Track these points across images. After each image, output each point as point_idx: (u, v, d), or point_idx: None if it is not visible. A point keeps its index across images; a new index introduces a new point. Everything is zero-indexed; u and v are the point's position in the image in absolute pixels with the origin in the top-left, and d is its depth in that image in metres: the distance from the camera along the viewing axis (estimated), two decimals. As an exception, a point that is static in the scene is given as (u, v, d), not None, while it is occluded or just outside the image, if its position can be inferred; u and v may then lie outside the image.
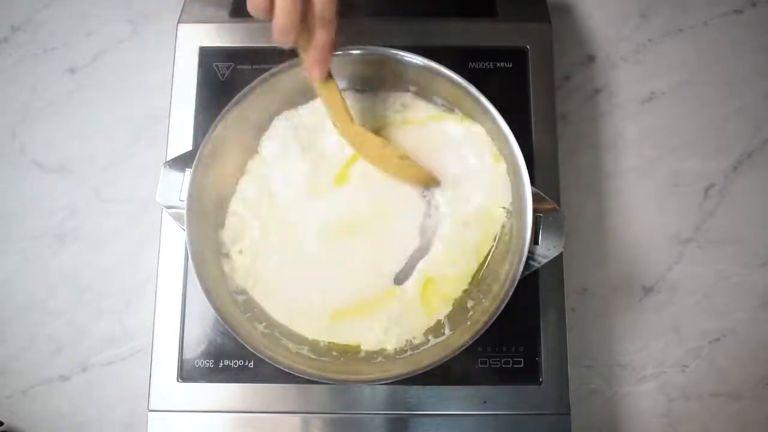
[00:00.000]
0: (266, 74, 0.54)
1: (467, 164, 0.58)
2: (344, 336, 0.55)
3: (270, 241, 0.57)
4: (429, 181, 0.57)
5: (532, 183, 0.51)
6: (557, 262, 0.56)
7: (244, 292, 0.56)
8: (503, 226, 0.56)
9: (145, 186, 0.66)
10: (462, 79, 0.54)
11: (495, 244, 0.56)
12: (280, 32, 0.47)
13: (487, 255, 0.56)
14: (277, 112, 0.59)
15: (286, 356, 0.52)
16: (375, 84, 0.59)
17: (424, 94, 0.59)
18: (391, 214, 0.57)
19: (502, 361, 0.56)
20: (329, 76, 0.52)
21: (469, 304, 0.55)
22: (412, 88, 0.59)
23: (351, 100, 0.59)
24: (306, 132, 0.59)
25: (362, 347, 0.54)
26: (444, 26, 0.64)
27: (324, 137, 0.59)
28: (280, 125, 0.59)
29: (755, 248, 0.65)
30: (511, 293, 0.49)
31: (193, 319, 0.57)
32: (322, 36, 0.49)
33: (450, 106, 0.58)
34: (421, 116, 0.59)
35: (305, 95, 0.59)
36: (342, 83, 0.58)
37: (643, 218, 0.65)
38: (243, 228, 0.57)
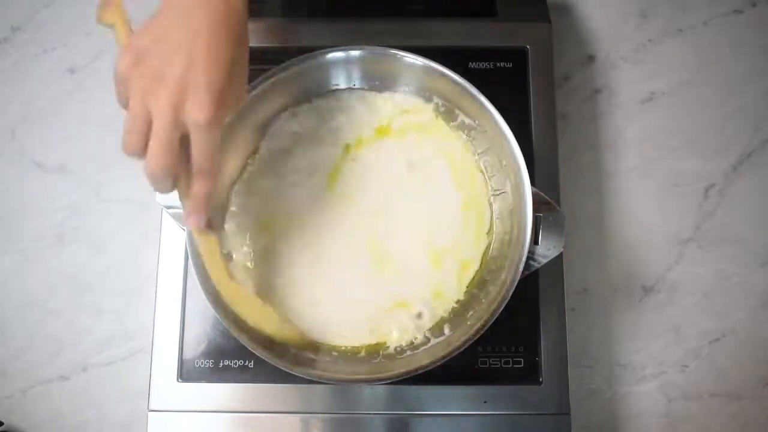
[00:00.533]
0: (266, 74, 0.54)
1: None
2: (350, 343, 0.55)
3: (270, 241, 0.57)
4: (306, 346, 0.53)
5: (532, 183, 0.51)
6: (557, 262, 0.56)
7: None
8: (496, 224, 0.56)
9: (145, 186, 0.65)
10: (462, 79, 0.54)
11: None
12: (151, 179, 0.42)
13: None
14: (278, 113, 0.59)
15: (286, 356, 0.52)
16: (375, 84, 0.59)
17: (425, 94, 0.59)
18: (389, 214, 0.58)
19: (502, 361, 0.56)
20: (209, 227, 0.48)
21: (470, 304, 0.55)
22: (412, 88, 0.59)
23: (351, 100, 0.59)
24: (306, 132, 0.59)
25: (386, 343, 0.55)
26: (444, 26, 0.64)
27: (324, 137, 0.59)
28: (281, 125, 0.59)
29: (755, 248, 0.65)
30: (511, 293, 0.49)
31: (193, 319, 0.57)
32: (200, 187, 0.44)
33: (450, 107, 0.58)
34: (420, 118, 0.59)
35: (305, 96, 0.59)
36: (342, 83, 0.59)
37: (643, 218, 0.65)
38: (243, 228, 0.57)
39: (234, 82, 0.42)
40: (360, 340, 0.55)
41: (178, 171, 0.42)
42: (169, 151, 0.41)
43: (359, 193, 0.58)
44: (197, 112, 0.40)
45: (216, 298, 0.51)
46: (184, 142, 0.42)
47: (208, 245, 0.50)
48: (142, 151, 0.41)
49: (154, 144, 0.41)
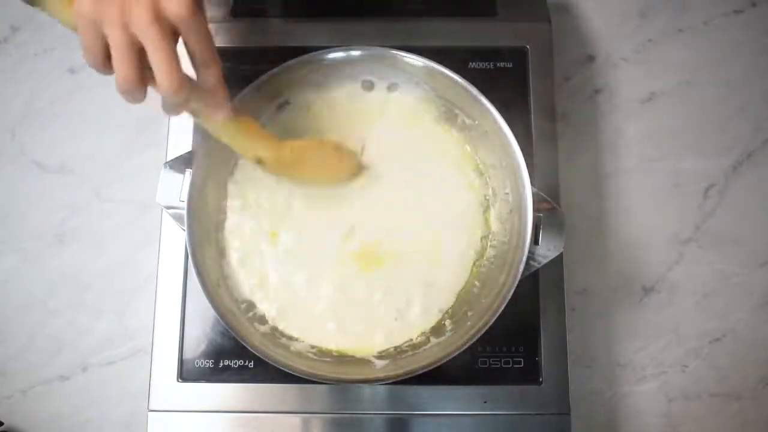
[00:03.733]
0: (266, 74, 0.54)
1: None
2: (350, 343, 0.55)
3: (269, 242, 0.57)
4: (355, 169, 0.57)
5: (532, 183, 0.51)
6: (557, 262, 0.56)
7: (246, 300, 0.56)
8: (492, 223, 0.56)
9: (145, 186, 0.66)
10: (462, 79, 0.54)
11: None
12: (122, 90, 0.40)
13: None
14: (276, 113, 0.59)
15: (286, 356, 0.52)
16: (375, 84, 0.59)
17: (425, 94, 0.59)
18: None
19: (502, 361, 0.56)
20: (236, 110, 0.48)
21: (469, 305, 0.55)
22: (412, 88, 0.59)
23: (351, 99, 0.59)
24: (306, 132, 0.59)
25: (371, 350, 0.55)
26: (444, 26, 0.64)
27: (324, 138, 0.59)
28: (280, 125, 0.59)
29: (755, 248, 0.65)
30: (511, 294, 0.49)
31: (193, 319, 0.57)
32: (211, 75, 0.43)
33: (450, 107, 0.58)
34: (420, 118, 0.59)
35: (305, 96, 0.59)
36: (342, 83, 0.59)
37: (643, 218, 0.65)
38: (242, 228, 0.57)
39: None
40: (358, 342, 0.55)
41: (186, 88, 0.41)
42: (129, 56, 0.39)
43: (356, 193, 0.58)
44: (176, 6, 0.39)
45: (215, 298, 0.51)
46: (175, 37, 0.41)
47: (247, 127, 0.50)
48: (104, 63, 0.40)
49: (114, 51, 0.39)
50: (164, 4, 0.39)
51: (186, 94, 0.41)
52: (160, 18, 0.39)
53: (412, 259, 0.56)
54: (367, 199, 0.58)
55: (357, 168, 0.57)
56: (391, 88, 0.59)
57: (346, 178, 0.57)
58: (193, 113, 0.46)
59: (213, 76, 0.43)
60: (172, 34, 0.40)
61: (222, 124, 0.48)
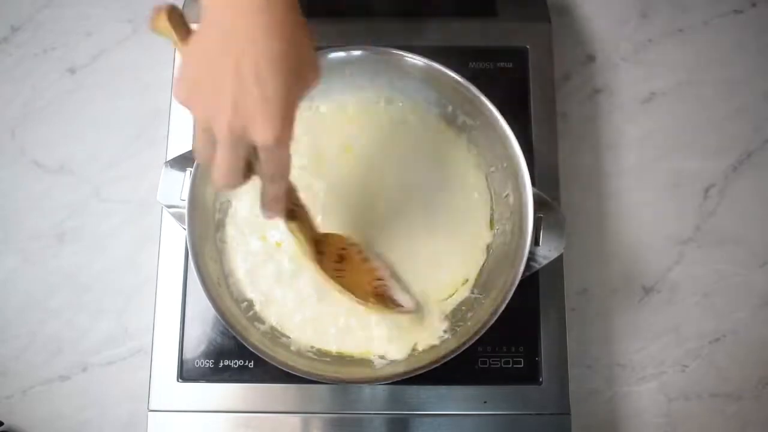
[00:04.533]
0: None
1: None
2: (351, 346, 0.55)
3: (269, 242, 0.57)
4: (408, 312, 0.54)
5: (533, 183, 0.51)
6: (557, 262, 0.56)
7: (246, 300, 0.56)
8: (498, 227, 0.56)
9: (145, 186, 0.66)
10: (462, 79, 0.54)
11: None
12: (221, 188, 0.42)
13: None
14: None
15: (286, 356, 0.52)
16: (375, 84, 0.59)
17: (425, 94, 0.59)
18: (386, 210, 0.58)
19: (502, 361, 0.56)
20: (291, 215, 0.48)
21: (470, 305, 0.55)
22: (412, 88, 0.59)
23: (352, 98, 0.59)
24: (306, 133, 0.59)
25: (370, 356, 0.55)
26: (444, 26, 0.64)
27: (325, 138, 0.59)
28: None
29: (755, 248, 0.65)
30: (511, 294, 0.49)
31: (193, 319, 0.57)
32: (274, 190, 0.42)
33: (451, 107, 0.58)
34: (421, 118, 0.59)
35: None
36: (343, 83, 0.59)
37: (643, 218, 0.65)
38: (243, 227, 0.57)
39: (299, 81, 0.38)
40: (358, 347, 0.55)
41: (247, 178, 0.41)
42: (232, 169, 0.39)
43: (358, 193, 0.58)
44: (262, 134, 0.36)
45: (215, 298, 0.51)
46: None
47: (298, 233, 0.49)
48: (211, 161, 0.39)
49: (219, 163, 0.38)
50: (251, 126, 0.36)
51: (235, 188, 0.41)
52: (239, 131, 0.37)
53: (411, 261, 0.56)
54: (367, 201, 0.58)
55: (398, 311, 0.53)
56: (392, 88, 0.59)
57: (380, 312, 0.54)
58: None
59: (277, 190, 0.43)
60: (247, 147, 0.38)
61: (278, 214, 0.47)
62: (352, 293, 0.50)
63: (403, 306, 0.53)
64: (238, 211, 0.57)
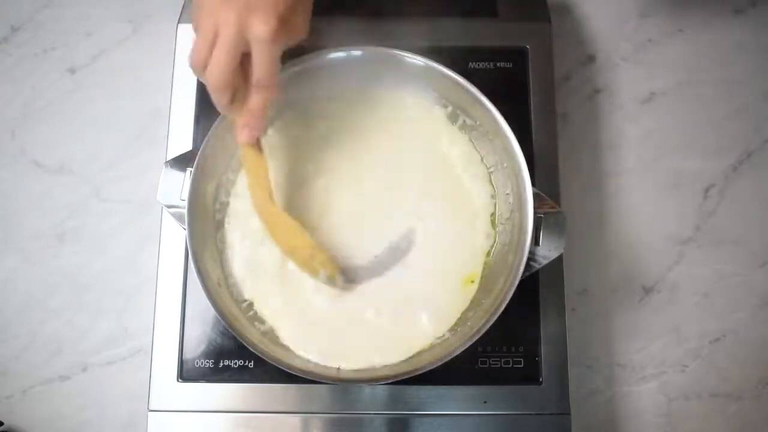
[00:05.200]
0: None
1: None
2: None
3: (269, 242, 0.57)
4: (332, 277, 0.53)
5: (533, 183, 0.51)
6: (557, 262, 0.56)
7: (246, 300, 0.56)
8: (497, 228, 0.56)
9: (145, 186, 0.66)
10: (462, 79, 0.54)
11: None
12: (212, 89, 0.46)
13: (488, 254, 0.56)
14: (278, 113, 0.59)
15: (286, 356, 0.52)
16: (375, 84, 0.59)
17: (425, 94, 0.59)
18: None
19: (502, 361, 0.56)
20: (258, 145, 0.51)
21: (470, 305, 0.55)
22: (412, 88, 0.59)
23: (351, 100, 0.59)
24: (307, 133, 0.59)
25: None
26: (444, 26, 0.64)
27: (324, 138, 0.59)
28: (282, 126, 0.59)
29: (755, 248, 0.65)
30: (511, 294, 0.49)
31: (193, 319, 0.57)
32: (256, 101, 0.47)
33: (451, 107, 0.58)
34: (421, 117, 0.59)
35: (305, 96, 0.59)
36: (342, 84, 0.59)
37: (643, 218, 0.65)
38: (243, 227, 0.57)
39: (298, 11, 0.47)
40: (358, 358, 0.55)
41: (236, 83, 0.46)
42: (229, 61, 0.45)
43: (358, 196, 0.58)
44: (260, 27, 0.44)
45: (215, 298, 0.51)
46: (245, 60, 0.46)
47: (255, 165, 0.51)
48: (205, 62, 0.45)
49: (216, 55, 0.44)
50: (252, 20, 0.44)
51: (225, 101, 0.47)
52: (242, 25, 0.44)
53: (413, 262, 0.56)
54: (368, 202, 0.57)
55: (333, 275, 0.53)
56: (392, 88, 0.59)
57: (314, 276, 0.54)
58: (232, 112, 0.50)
59: (260, 101, 0.47)
60: (245, 45, 0.45)
61: (241, 147, 0.51)
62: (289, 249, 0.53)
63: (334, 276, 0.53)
64: (238, 211, 0.57)
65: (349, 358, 0.53)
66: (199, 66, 0.46)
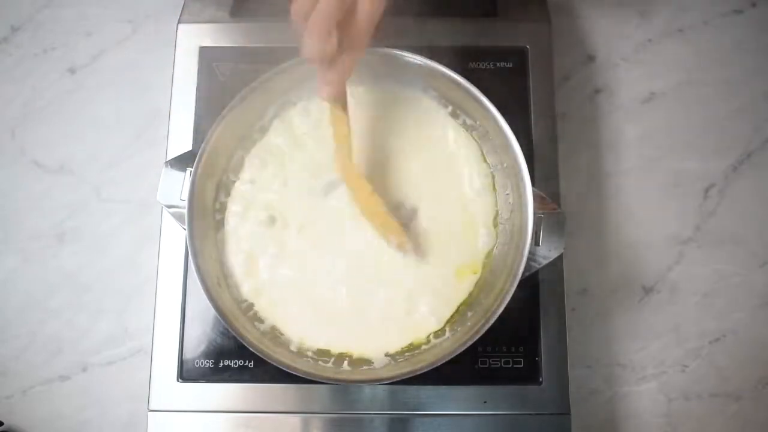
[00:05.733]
0: (267, 75, 0.54)
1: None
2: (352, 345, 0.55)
3: (268, 244, 0.57)
4: (402, 245, 0.55)
5: (533, 183, 0.51)
6: (557, 262, 0.56)
7: (246, 300, 0.56)
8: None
9: (145, 186, 0.66)
10: (462, 79, 0.54)
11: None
12: (313, 34, 0.45)
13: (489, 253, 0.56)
14: (278, 113, 0.59)
15: (286, 356, 0.52)
16: (375, 84, 0.59)
17: (426, 94, 0.59)
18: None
19: (502, 361, 0.56)
20: (342, 103, 0.51)
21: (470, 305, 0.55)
22: (412, 88, 0.59)
23: (352, 99, 0.59)
24: (307, 133, 0.59)
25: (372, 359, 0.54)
26: (444, 26, 0.64)
27: (325, 138, 0.59)
28: (281, 126, 0.59)
29: (755, 248, 0.65)
30: (511, 294, 0.49)
31: (193, 319, 0.57)
32: (347, 59, 0.47)
33: (451, 106, 0.58)
34: (421, 117, 0.59)
35: (305, 96, 0.59)
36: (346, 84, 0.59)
37: (643, 218, 0.65)
38: (243, 227, 0.57)
39: None
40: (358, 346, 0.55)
41: (333, 36, 0.45)
42: (332, 12, 0.44)
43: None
44: None
45: (215, 298, 0.51)
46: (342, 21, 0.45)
47: (339, 123, 0.52)
48: (308, 12, 0.44)
49: (313, 20, 0.44)
50: None
51: (320, 52, 0.45)
52: None
53: (414, 262, 0.56)
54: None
55: (401, 244, 0.55)
56: (392, 88, 0.59)
57: (386, 239, 0.55)
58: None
59: (349, 61, 0.47)
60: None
61: (329, 106, 0.52)
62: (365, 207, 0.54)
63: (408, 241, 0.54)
64: (238, 211, 0.57)
65: (353, 343, 0.55)
66: (300, 16, 0.45)
